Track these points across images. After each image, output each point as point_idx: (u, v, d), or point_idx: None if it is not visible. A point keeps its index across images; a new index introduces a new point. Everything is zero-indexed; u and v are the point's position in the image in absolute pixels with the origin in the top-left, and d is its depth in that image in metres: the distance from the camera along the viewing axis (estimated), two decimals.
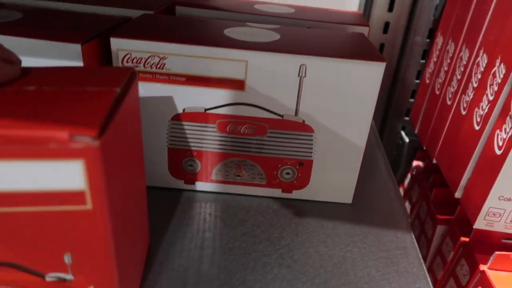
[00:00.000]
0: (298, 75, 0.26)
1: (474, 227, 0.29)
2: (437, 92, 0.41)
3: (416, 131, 0.47)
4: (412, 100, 0.54)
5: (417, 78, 0.53)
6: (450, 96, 0.37)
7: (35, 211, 0.15)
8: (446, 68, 0.39)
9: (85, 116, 0.15)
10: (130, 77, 0.19)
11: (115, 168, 0.16)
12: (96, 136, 0.14)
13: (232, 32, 0.29)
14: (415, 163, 0.50)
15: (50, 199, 0.15)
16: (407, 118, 0.55)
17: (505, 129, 0.27)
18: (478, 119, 0.30)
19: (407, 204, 0.50)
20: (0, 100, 0.15)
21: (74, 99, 0.16)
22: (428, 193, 0.43)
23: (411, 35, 0.49)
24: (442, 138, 0.38)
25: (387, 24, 0.49)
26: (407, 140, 0.55)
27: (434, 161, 0.40)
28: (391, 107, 0.54)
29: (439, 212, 0.39)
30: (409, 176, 0.52)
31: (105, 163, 0.14)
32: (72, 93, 0.17)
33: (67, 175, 0.14)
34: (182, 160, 0.30)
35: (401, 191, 0.53)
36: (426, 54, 0.51)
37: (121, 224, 0.18)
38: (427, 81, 0.45)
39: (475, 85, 0.32)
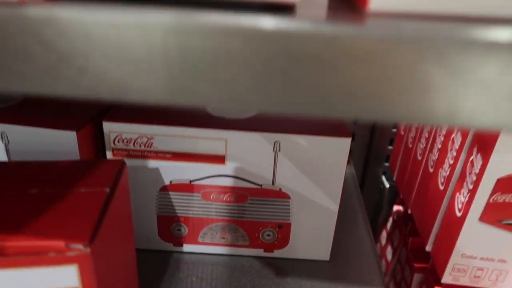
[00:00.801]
0: (273, 150, 0.29)
1: (442, 281, 0.32)
2: (410, 146, 0.44)
3: (394, 179, 0.49)
4: (390, 147, 0.57)
5: (394, 127, 0.56)
6: (420, 152, 0.40)
7: None
8: (415, 124, 0.42)
9: (78, 223, 0.17)
10: (119, 170, 0.22)
11: (105, 262, 0.18)
12: (87, 243, 0.16)
13: (214, 107, 0.32)
14: (395, 207, 0.53)
15: None
16: (387, 164, 0.58)
17: (463, 193, 0.29)
18: (442, 180, 0.33)
19: (389, 249, 0.52)
20: (7, 207, 0.18)
21: (70, 202, 0.19)
22: (406, 239, 0.45)
23: None
24: (415, 190, 0.41)
25: None
26: (387, 185, 0.57)
27: (409, 211, 0.42)
28: (371, 153, 0.57)
29: (416, 260, 0.42)
30: (390, 219, 0.54)
31: (96, 264, 0.17)
32: (68, 196, 0.19)
33: (63, 276, 0.17)
34: (170, 225, 0.32)
35: (385, 234, 0.55)
36: None
37: None
38: (402, 133, 0.48)
39: (439, 147, 0.35)
